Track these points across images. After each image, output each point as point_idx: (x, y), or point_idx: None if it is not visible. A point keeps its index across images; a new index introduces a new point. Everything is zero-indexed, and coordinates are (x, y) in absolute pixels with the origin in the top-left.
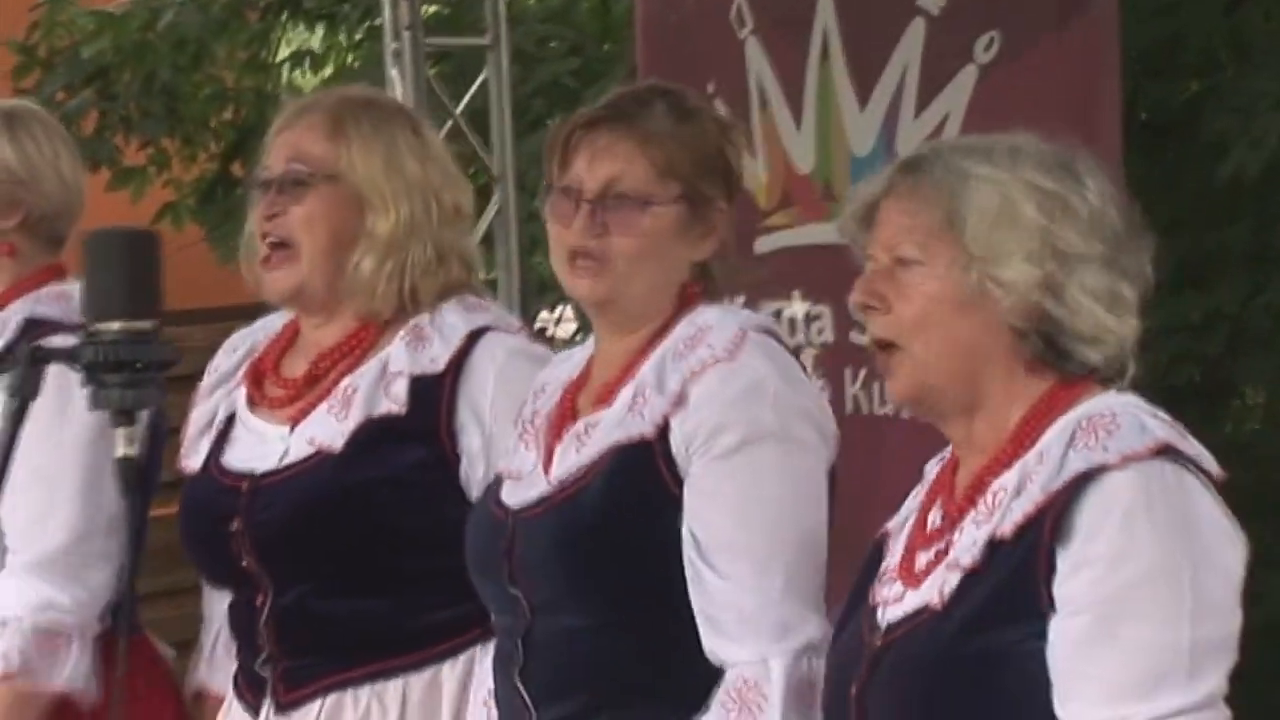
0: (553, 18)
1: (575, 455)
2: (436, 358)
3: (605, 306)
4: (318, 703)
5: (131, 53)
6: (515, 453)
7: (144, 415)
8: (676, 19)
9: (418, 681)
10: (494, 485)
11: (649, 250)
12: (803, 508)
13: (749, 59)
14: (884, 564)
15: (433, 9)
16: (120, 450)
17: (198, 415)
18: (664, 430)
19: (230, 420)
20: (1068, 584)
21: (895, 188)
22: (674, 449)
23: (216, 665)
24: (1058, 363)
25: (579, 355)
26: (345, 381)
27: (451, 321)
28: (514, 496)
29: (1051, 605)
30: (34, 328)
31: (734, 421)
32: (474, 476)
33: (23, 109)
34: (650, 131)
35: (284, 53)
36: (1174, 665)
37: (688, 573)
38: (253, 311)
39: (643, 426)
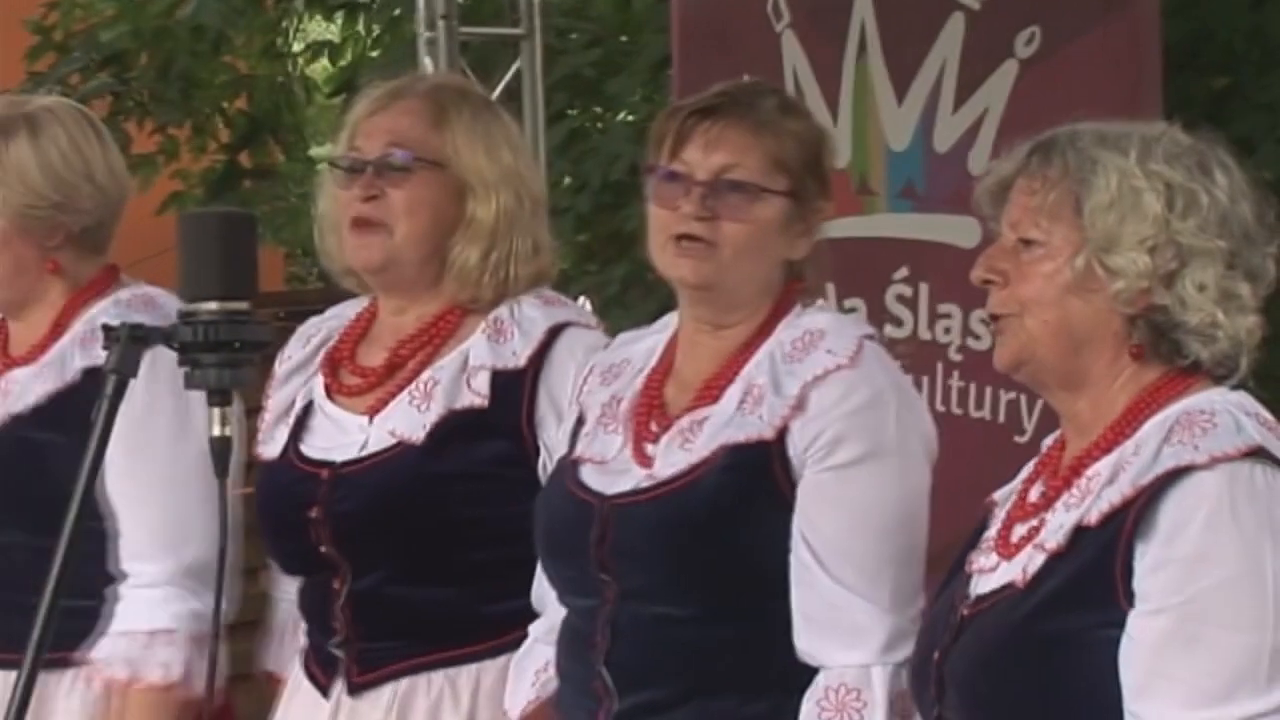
0: (573, 11)
1: (682, 451)
2: (518, 352)
3: (705, 292)
4: (390, 687)
5: (151, 38)
6: (595, 436)
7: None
8: (712, 11)
9: (491, 668)
10: (568, 468)
11: (755, 240)
12: (911, 522)
13: (785, 52)
14: (986, 533)
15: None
16: (215, 430)
17: (274, 403)
18: (783, 433)
19: (308, 408)
20: (1148, 581)
21: (1027, 168)
22: (790, 452)
23: (287, 649)
24: (1168, 355)
25: (650, 340)
26: (426, 373)
27: (531, 316)
28: (603, 483)
29: (1127, 598)
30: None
31: (856, 433)
32: (551, 470)
33: (42, 113)
34: (765, 123)
35: (300, 43)
36: (1253, 671)
37: (795, 572)
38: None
39: (761, 428)
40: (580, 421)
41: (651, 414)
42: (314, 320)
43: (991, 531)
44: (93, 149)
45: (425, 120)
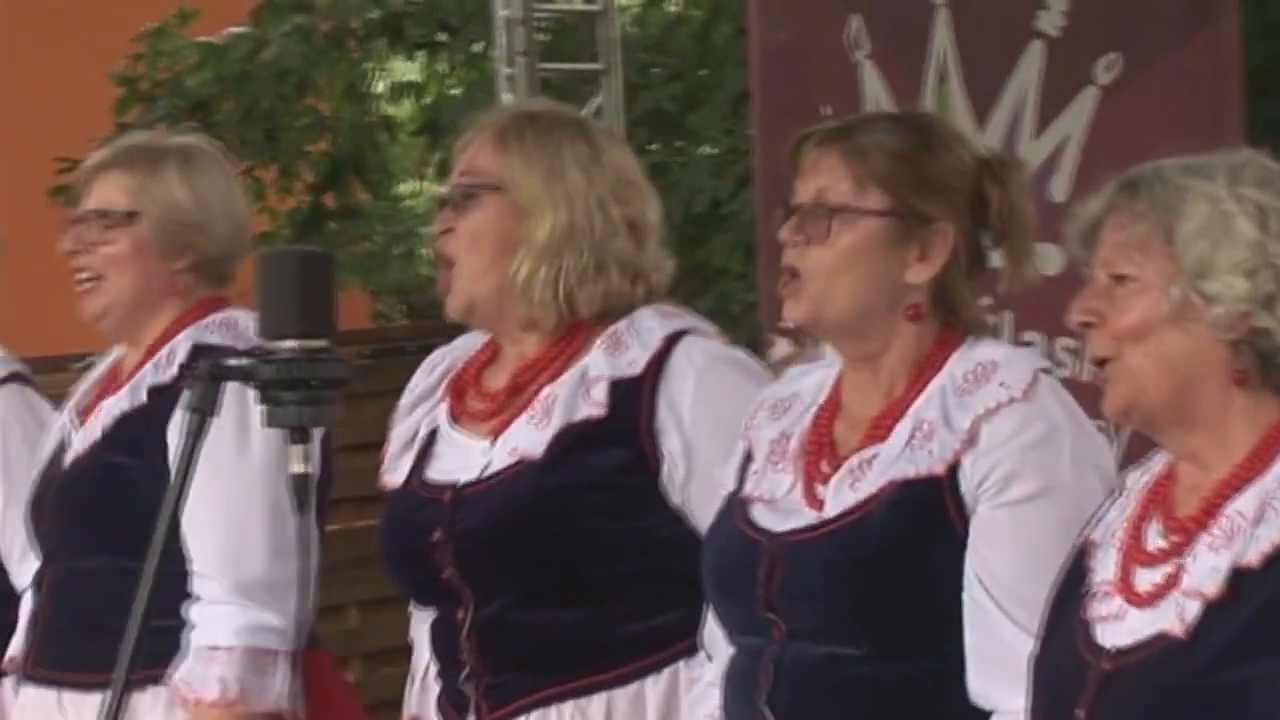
0: (653, 46)
1: (851, 491)
2: (635, 361)
3: (815, 329)
4: None
5: (234, 83)
6: (764, 474)
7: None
8: (790, 43)
9: (622, 697)
10: (738, 505)
11: (843, 264)
12: None
13: (864, 82)
14: (1092, 576)
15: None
16: (296, 468)
17: (398, 433)
18: (954, 468)
19: (432, 436)
20: None
21: (1114, 206)
22: (963, 487)
23: (429, 692)
24: (1277, 384)
25: (818, 374)
26: (546, 391)
27: (648, 326)
28: (773, 521)
29: None
30: (201, 355)
31: (1031, 469)
32: (674, 479)
33: (195, 147)
34: (858, 144)
35: (382, 83)
36: None
37: (968, 611)
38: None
39: (931, 463)
40: (749, 458)
41: (822, 453)
42: (439, 350)
43: (1107, 575)
44: (233, 187)
45: (490, 147)
